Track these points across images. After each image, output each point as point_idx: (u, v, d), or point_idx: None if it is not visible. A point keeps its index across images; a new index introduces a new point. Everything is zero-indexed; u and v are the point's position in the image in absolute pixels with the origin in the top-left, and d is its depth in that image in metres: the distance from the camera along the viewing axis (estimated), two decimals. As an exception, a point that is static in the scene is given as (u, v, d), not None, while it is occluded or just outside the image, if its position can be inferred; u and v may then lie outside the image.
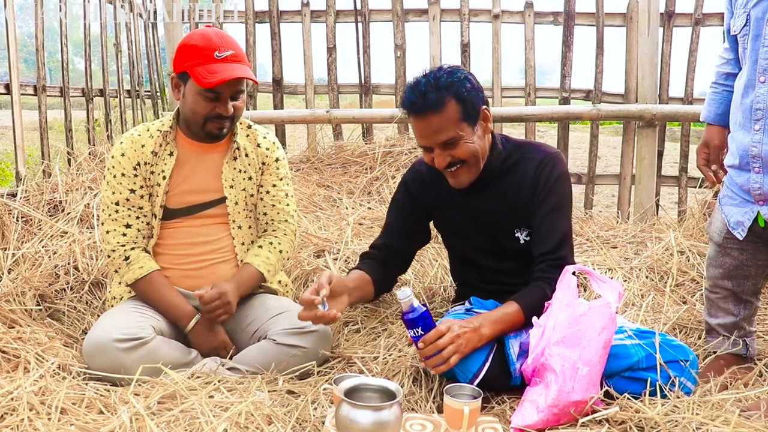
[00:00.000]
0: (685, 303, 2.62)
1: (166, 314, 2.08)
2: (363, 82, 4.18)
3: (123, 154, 2.10)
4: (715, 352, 2.16)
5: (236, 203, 2.17)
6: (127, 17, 3.99)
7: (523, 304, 1.87)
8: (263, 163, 2.21)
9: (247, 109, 4.24)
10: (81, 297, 2.45)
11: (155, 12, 4.26)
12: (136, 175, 2.10)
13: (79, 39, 3.73)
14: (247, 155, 2.18)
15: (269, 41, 4.19)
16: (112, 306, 2.20)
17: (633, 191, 4.03)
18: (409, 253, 2.26)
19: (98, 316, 2.33)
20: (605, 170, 6.30)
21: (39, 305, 2.31)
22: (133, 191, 2.10)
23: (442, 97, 1.81)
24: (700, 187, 3.91)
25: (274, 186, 2.23)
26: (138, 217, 2.12)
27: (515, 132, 5.96)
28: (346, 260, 2.75)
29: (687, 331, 2.41)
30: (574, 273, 1.87)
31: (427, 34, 4.04)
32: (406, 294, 1.73)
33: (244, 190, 2.18)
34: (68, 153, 3.43)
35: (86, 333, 2.21)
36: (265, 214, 2.24)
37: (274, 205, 2.23)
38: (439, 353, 1.73)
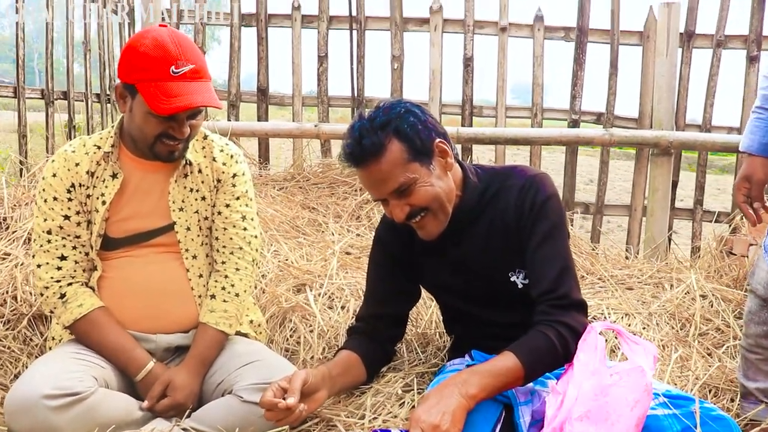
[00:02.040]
0: (710, 355, 2.38)
1: (112, 361, 1.80)
2: (356, 95, 3.99)
3: (55, 175, 1.84)
4: (753, 421, 1.91)
5: (188, 229, 1.90)
6: (99, 14, 3.70)
7: (521, 354, 1.56)
8: (218, 180, 1.95)
9: (229, 120, 4.03)
10: (17, 334, 2.12)
11: (132, 10, 3.98)
12: (70, 199, 1.84)
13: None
14: (200, 171, 1.92)
15: (255, 47, 3.99)
16: (50, 348, 1.92)
17: (643, 223, 3.82)
18: (401, 317, 1.99)
19: (37, 357, 2.03)
20: (612, 198, 6.11)
21: (-38, 345, 1.97)
22: (67, 217, 1.84)
23: (380, 139, 1.59)
24: (717, 221, 3.71)
25: (227, 206, 1.95)
26: (75, 247, 1.85)
27: (519, 156, 5.73)
28: (329, 297, 2.46)
29: (717, 392, 2.14)
30: (601, 332, 1.60)
31: (427, 45, 3.85)
32: None
33: (197, 212, 1.91)
34: (20, 162, 3.10)
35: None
36: (216, 239, 1.95)
37: (225, 229, 1.94)
38: None
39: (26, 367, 1.99)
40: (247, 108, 4.17)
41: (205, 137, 1.96)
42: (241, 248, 1.94)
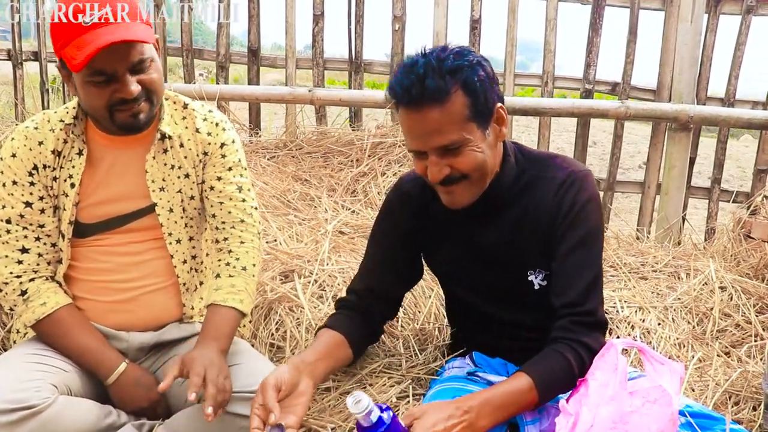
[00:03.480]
0: (727, 354, 2.24)
1: (79, 364, 1.66)
2: (353, 57, 3.77)
3: (14, 155, 1.68)
4: None
5: (170, 210, 1.76)
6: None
7: (536, 378, 1.45)
8: (204, 153, 1.79)
9: (217, 83, 3.82)
10: (-26, 325, 1.94)
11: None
12: (32, 183, 1.69)
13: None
14: (182, 145, 1.76)
15: (246, 4, 3.75)
16: (14, 342, 1.78)
17: (657, 202, 3.67)
18: (398, 297, 1.85)
19: (-4, 352, 1.86)
20: (622, 171, 5.94)
21: None
22: (29, 204, 1.68)
23: (446, 85, 1.42)
24: (734, 201, 3.56)
25: (219, 179, 1.80)
26: (38, 238, 1.70)
27: (527, 127, 5.51)
28: (320, 285, 2.30)
29: (738, 400, 2.00)
30: (623, 350, 1.46)
31: (431, 5, 3.64)
32: (361, 405, 1.29)
33: (179, 191, 1.77)
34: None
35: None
36: (213, 216, 1.80)
37: (222, 203, 1.80)
38: None
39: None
40: (237, 70, 3.99)
41: (185, 106, 1.79)
42: (242, 221, 1.81)
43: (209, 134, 1.79)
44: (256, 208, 1.86)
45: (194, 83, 3.74)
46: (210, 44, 4.19)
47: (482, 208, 1.60)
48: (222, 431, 1.56)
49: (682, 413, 1.52)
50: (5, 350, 1.83)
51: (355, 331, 1.69)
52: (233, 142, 1.84)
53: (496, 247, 1.65)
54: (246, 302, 1.73)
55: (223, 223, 1.81)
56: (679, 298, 2.51)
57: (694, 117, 3.39)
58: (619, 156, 3.70)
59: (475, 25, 3.62)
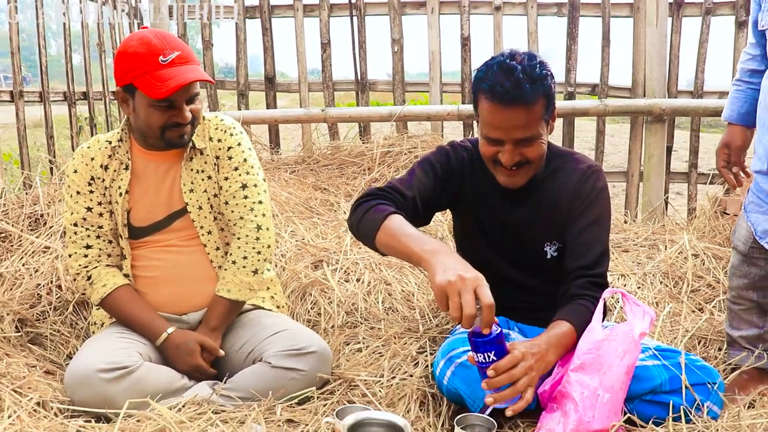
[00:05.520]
0: (701, 310, 2.52)
1: (137, 332, 1.97)
2: (359, 78, 4.04)
3: (75, 171, 2.01)
4: (738, 366, 2.05)
5: (200, 207, 2.03)
6: (111, 15, 3.82)
7: (576, 324, 1.69)
8: (217, 157, 2.04)
9: (239, 109, 4.13)
10: (65, 319, 2.31)
11: (139, 10, 4.09)
12: (91, 191, 2.00)
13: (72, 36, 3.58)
14: (201, 153, 2.03)
15: (260, 38, 4.06)
16: (93, 333, 2.09)
17: (641, 188, 3.91)
18: (421, 215, 1.89)
19: (83, 339, 2.21)
20: (607, 163, 6.18)
21: (18, 331, 2.17)
22: (89, 209, 2.00)
23: (536, 91, 1.64)
24: (711, 183, 3.81)
25: (226, 179, 2.03)
26: (98, 236, 2.01)
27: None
28: (345, 271, 2.62)
29: (706, 342, 2.30)
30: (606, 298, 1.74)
31: (425, 27, 3.90)
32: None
33: (205, 191, 2.03)
34: (50, 161, 3.27)
35: (71, 358, 2.10)
36: (222, 215, 2.07)
37: (227, 203, 2.04)
38: (511, 385, 1.52)
39: (75, 348, 2.19)
40: (254, 97, 4.24)
41: (203, 119, 2.05)
42: (241, 218, 2.02)
43: (219, 141, 2.03)
44: (260, 202, 2.02)
45: (220, 110, 4.07)
46: (229, 75, 4.51)
47: (516, 188, 1.83)
48: (274, 384, 1.85)
49: (648, 348, 1.78)
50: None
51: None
52: (239, 144, 2.04)
53: (523, 221, 1.88)
54: (232, 292, 1.98)
55: (229, 221, 2.04)
56: (656, 266, 2.78)
57: (666, 109, 3.63)
58: (603, 149, 3.92)
59: (465, 42, 3.87)
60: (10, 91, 3.14)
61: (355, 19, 3.95)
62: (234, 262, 2.00)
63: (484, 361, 1.46)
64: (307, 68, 4.09)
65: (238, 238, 2.02)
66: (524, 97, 1.63)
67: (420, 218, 1.86)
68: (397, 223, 1.60)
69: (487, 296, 1.39)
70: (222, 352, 1.97)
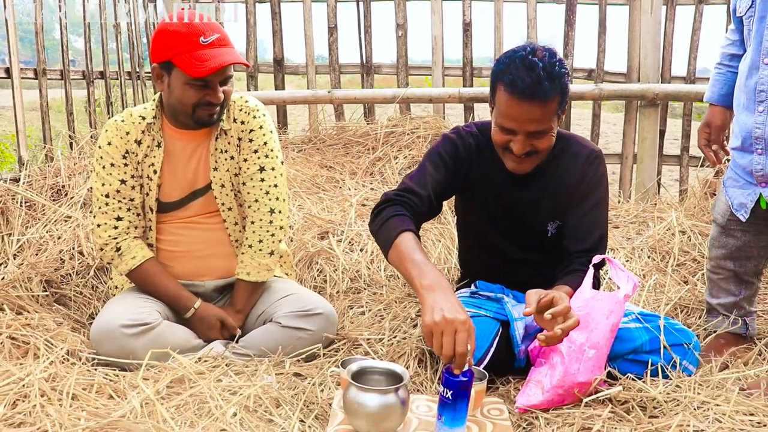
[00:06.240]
0: (686, 283, 2.64)
1: (164, 302, 2.07)
2: (364, 62, 4.15)
3: (110, 143, 2.03)
4: (715, 331, 2.18)
5: (222, 185, 2.08)
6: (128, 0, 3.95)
7: (573, 288, 1.83)
8: (239, 139, 2.07)
9: (248, 90, 4.24)
10: (87, 282, 2.46)
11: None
12: (126, 164, 2.03)
13: (76, 18, 3.71)
14: (226, 133, 2.07)
15: (269, 21, 4.14)
16: (114, 295, 2.19)
17: (634, 170, 4.02)
18: (431, 210, 1.96)
19: (104, 301, 2.35)
20: (605, 147, 6.29)
21: (45, 291, 2.31)
22: (123, 182, 2.03)
23: (554, 88, 1.70)
24: (702, 166, 3.91)
25: (245, 161, 2.07)
26: (129, 209, 2.05)
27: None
28: (350, 242, 2.76)
29: (688, 311, 2.43)
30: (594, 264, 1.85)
31: (428, 13, 3.99)
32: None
33: (228, 171, 2.08)
34: (70, 136, 3.41)
35: (93, 318, 2.25)
36: (240, 192, 2.12)
37: (245, 184, 2.08)
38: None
39: (97, 309, 2.32)
40: (263, 78, 4.34)
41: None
42: (256, 200, 2.06)
43: (242, 123, 2.05)
44: (276, 186, 2.07)
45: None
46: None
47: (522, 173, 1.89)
48: (283, 342, 1.98)
49: (632, 313, 1.91)
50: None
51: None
52: (261, 127, 2.06)
53: (528, 202, 1.95)
54: (252, 275, 2.06)
55: (245, 202, 2.09)
56: (645, 241, 2.90)
57: (659, 94, 3.75)
58: (599, 132, 4.04)
59: (467, 28, 3.97)
60: (34, 68, 3.27)
61: (361, 4, 4.04)
62: (250, 246, 2.07)
63: (444, 395, 1.49)
64: (314, 52, 4.18)
65: (252, 222, 2.07)
66: (543, 94, 1.68)
67: (435, 210, 1.95)
68: (405, 245, 1.67)
69: (461, 343, 1.45)
70: (239, 332, 2.08)
